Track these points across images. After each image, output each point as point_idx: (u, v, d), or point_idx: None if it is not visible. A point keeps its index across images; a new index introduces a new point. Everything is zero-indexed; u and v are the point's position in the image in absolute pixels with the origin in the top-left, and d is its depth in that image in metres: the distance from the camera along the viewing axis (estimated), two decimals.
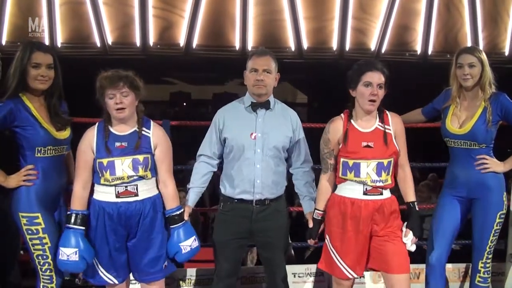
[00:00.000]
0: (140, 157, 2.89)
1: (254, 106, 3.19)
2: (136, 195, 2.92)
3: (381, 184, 2.96)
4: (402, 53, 9.52)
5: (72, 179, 3.34)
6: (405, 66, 9.25)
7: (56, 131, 3.05)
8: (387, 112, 3.05)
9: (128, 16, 8.48)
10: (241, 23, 8.63)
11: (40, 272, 3.04)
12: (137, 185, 2.90)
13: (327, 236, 3.12)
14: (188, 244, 3.00)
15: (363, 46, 9.30)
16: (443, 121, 3.41)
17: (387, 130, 2.99)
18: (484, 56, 3.29)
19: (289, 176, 3.39)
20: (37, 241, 2.99)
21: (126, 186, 2.89)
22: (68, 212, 2.96)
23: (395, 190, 3.13)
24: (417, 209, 3.08)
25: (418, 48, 9.58)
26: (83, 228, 2.91)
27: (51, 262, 3.01)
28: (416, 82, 8.28)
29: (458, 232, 3.53)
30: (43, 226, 2.98)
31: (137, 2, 8.37)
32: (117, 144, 2.89)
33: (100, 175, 2.90)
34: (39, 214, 2.98)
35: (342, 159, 3.00)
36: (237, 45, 8.67)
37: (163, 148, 2.99)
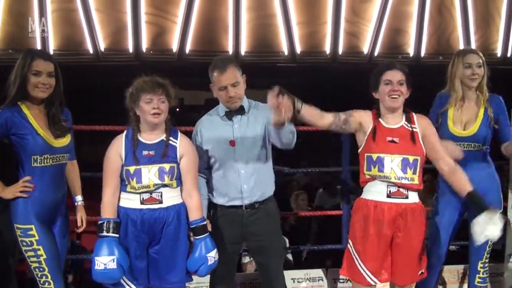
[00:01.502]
0: (166, 166, 2.89)
1: (229, 114, 3.18)
2: (161, 202, 2.91)
3: (406, 182, 2.94)
4: (395, 56, 9.51)
5: (74, 189, 3.33)
6: None
7: (54, 138, 3.02)
8: (413, 113, 3.06)
9: (121, 22, 8.44)
10: (234, 28, 8.61)
11: (39, 284, 3.01)
12: (161, 192, 2.90)
13: (350, 241, 3.10)
14: (213, 255, 2.98)
15: (356, 49, 9.29)
16: (444, 124, 3.41)
17: (414, 129, 2.99)
18: (483, 58, 3.35)
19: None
20: (32, 253, 2.96)
21: (150, 193, 2.88)
22: (100, 221, 2.93)
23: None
24: (479, 196, 2.97)
25: (411, 50, 9.59)
26: (117, 235, 2.89)
27: (48, 274, 2.98)
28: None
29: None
30: (37, 238, 2.95)
31: (130, 8, 8.33)
32: (145, 152, 2.90)
33: (127, 183, 2.90)
34: (32, 226, 2.95)
35: (366, 154, 2.99)
36: (230, 50, 8.64)
37: (189, 158, 2.98)
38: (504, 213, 3.77)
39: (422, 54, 9.56)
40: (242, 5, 8.58)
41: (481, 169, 3.37)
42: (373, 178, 2.98)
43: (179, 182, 2.97)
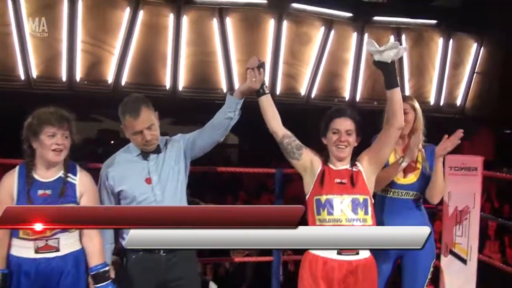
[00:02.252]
0: None
1: (144, 154, 2.96)
2: (57, 250, 2.62)
3: (359, 223, 2.76)
4: (331, 98, 9.70)
5: None
6: None
7: None
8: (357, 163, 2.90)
9: (55, 49, 8.21)
10: (173, 63, 8.54)
11: None
12: (59, 238, 2.61)
13: None
14: None
15: (294, 91, 9.41)
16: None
17: (354, 170, 2.83)
18: (416, 104, 3.30)
19: None
20: None
21: (46, 240, 2.59)
22: None
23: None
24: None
25: (347, 94, 9.82)
26: None
27: None
28: None
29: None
30: None
31: (65, 36, 8.13)
32: (40, 192, 2.60)
33: None
34: None
35: (315, 197, 2.81)
36: (168, 84, 8.55)
37: (90, 196, 2.72)
38: (438, 257, 3.78)
39: (358, 98, 9.79)
40: (182, 39, 8.56)
41: (415, 219, 3.31)
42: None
43: None
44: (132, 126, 2.84)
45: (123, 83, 8.45)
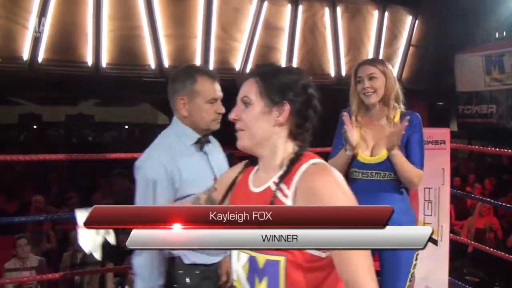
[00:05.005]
0: None
1: (201, 143, 2.33)
2: None
3: None
4: None
5: None
6: None
7: None
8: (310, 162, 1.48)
9: None
10: (95, 37, 7.87)
11: None
12: None
13: None
14: None
15: (228, 65, 8.98)
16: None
17: (284, 191, 1.45)
18: (388, 68, 2.78)
19: None
20: None
21: None
22: None
23: None
24: None
25: None
26: None
27: None
28: None
29: None
30: None
31: None
32: None
33: None
34: None
35: None
36: (90, 61, 7.87)
37: None
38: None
39: None
40: (103, 12, 7.88)
41: (394, 202, 2.75)
42: None
43: None
44: (208, 90, 2.27)
45: (40, 60, 7.69)
